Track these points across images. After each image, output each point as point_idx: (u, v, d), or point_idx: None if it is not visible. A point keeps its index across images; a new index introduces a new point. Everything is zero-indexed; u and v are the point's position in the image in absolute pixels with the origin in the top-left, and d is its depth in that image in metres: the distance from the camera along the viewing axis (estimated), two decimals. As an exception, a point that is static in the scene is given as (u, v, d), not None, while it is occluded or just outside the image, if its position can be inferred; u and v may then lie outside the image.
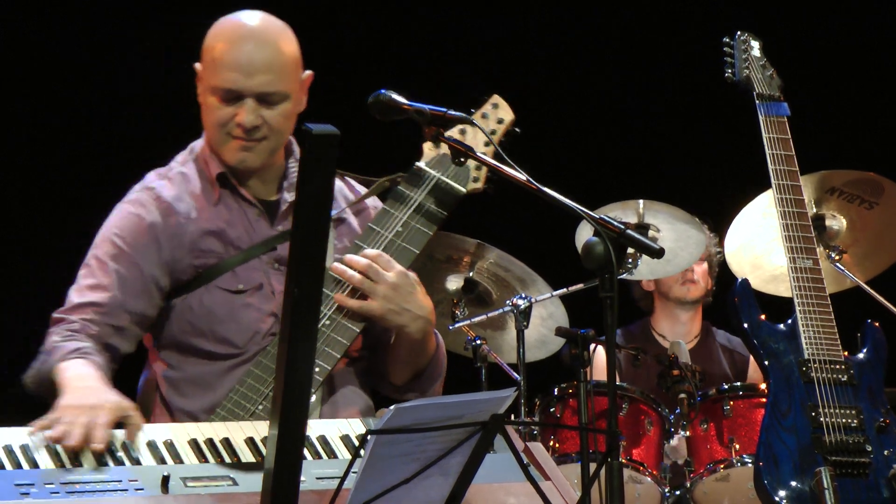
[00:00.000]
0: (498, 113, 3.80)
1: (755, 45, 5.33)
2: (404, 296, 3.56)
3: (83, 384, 3.32)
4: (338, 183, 3.81)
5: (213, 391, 3.59)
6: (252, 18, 3.66)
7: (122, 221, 3.65)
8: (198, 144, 3.75)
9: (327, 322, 3.54)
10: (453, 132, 3.69)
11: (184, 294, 3.63)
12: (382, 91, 3.64)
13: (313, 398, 3.54)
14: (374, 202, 3.84)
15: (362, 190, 3.84)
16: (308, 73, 3.71)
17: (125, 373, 3.69)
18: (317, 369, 3.49)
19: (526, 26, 7.78)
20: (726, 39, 5.35)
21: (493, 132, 3.77)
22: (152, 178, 3.74)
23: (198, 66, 3.68)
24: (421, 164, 3.70)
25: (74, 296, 3.59)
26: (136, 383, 3.77)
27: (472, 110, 3.79)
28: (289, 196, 3.71)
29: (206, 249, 3.64)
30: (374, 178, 3.77)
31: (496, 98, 3.82)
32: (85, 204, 6.87)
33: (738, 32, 5.36)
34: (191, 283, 3.64)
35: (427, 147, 3.71)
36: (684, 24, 7.64)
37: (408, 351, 3.67)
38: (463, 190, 3.68)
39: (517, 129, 3.80)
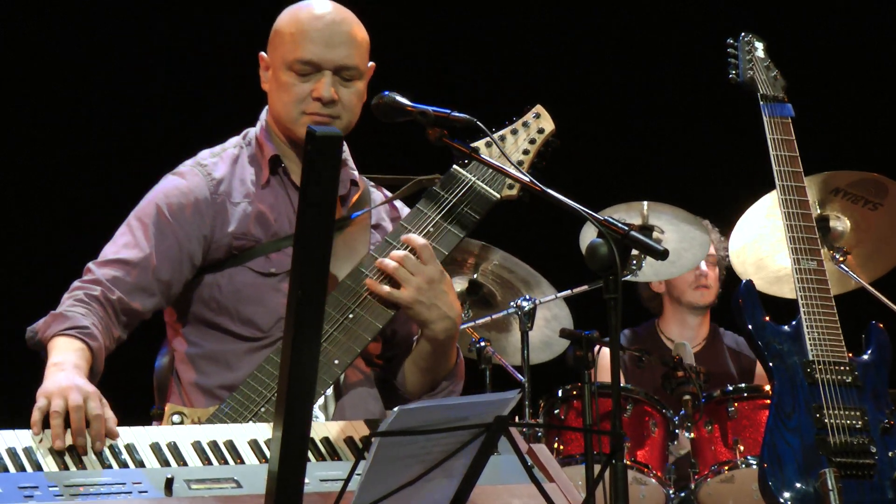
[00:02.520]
0: (539, 123, 3.83)
1: (759, 45, 5.33)
2: (437, 292, 3.55)
3: (60, 371, 3.30)
4: (374, 192, 3.84)
5: (230, 370, 3.61)
6: (326, 4, 3.72)
7: (170, 191, 3.68)
8: (252, 131, 3.79)
9: (350, 316, 3.54)
10: (482, 142, 3.73)
11: (214, 271, 3.66)
12: (386, 93, 3.65)
13: (329, 392, 3.56)
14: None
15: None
16: (371, 63, 3.74)
17: (141, 353, 3.70)
18: (336, 362, 3.50)
19: (527, 26, 7.77)
20: (730, 40, 5.36)
21: (533, 141, 3.80)
22: (205, 155, 3.77)
23: (263, 54, 3.72)
24: (458, 167, 3.69)
25: (108, 250, 3.63)
26: (151, 363, 3.80)
27: (514, 118, 3.82)
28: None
29: (246, 232, 3.66)
30: (409, 176, 3.76)
31: (539, 108, 3.85)
32: (85, 204, 6.89)
33: (743, 33, 5.36)
34: (223, 261, 3.66)
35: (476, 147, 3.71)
36: (687, 24, 7.64)
37: (429, 354, 3.65)
38: (497, 195, 3.68)
39: (557, 140, 3.82)
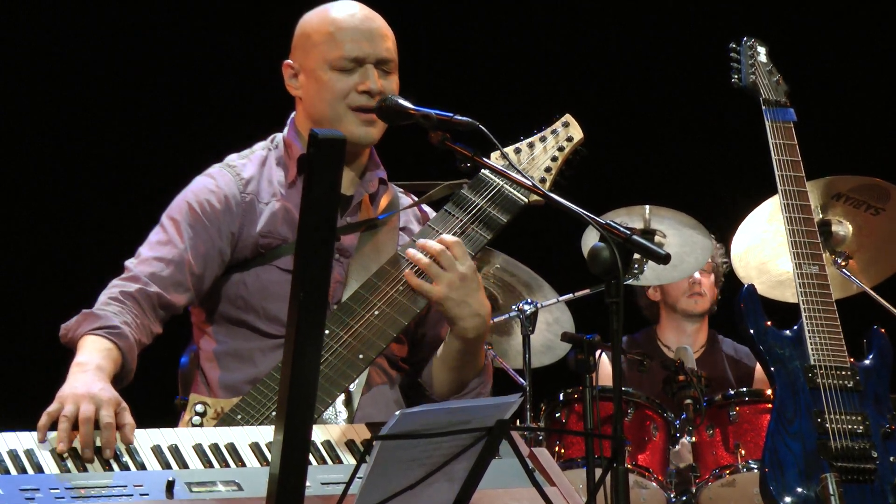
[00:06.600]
0: (568, 131, 3.87)
1: (761, 50, 5.33)
2: (469, 290, 3.56)
3: (82, 373, 3.31)
4: (402, 197, 3.87)
5: (254, 366, 3.63)
6: (351, 3, 3.76)
7: (200, 190, 3.72)
8: (280, 135, 3.82)
9: (376, 312, 3.56)
10: (511, 148, 3.77)
11: (241, 270, 3.69)
12: (388, 96, 3.65)
13: (353, 386, 3.58)
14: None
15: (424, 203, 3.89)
16: None
17: (164, 346, 3.72)
18: (360, 356, 3.51)
19: (531, 30, 7.78)
20: (733, 45, 5.36)
21: (562, 148, 3.84)
22: (233, 157, 3.82)
23: (289, 61, 3.75)
24: (486, 171, 3.71)
25: (144, 248, 3.67)
26: (175, 356, 3.83)
27: (543, 127, 3.86)
28: (364, 191, 3.76)
29: (273, 231, 3.69)
30: (437, 181, 3.78)
31: (568, 117, 3.89)
32: (86, 209, 6.90)
33: (745, 38, 5.36)
34: (250, 260, 3.69)
35: (494, 156, 3.74)
36: (689, 28, 7.65)
37: (457, 353, 3.63)
38: (524, 200, 3.70)
39: (585, 150, 3.83)
